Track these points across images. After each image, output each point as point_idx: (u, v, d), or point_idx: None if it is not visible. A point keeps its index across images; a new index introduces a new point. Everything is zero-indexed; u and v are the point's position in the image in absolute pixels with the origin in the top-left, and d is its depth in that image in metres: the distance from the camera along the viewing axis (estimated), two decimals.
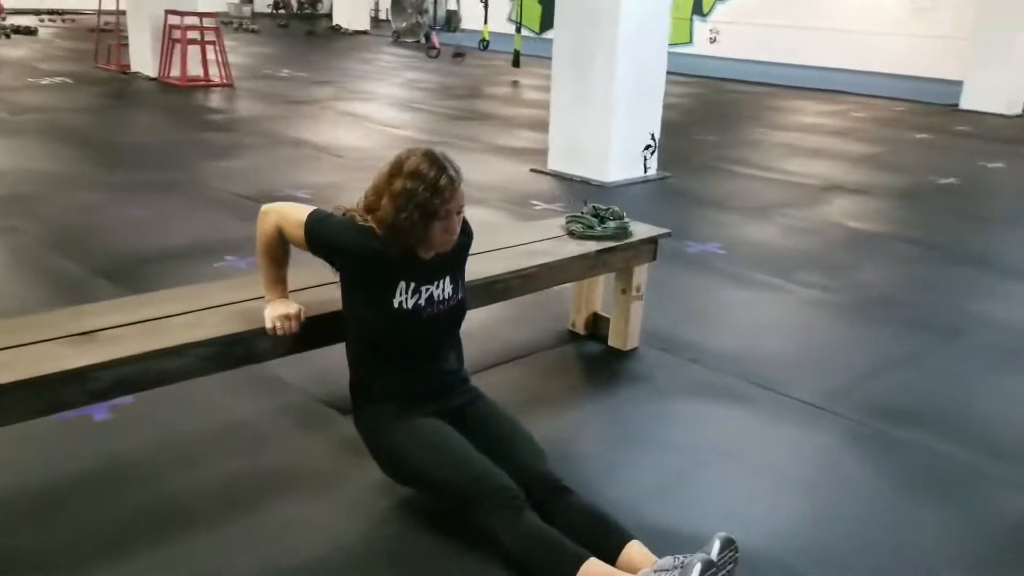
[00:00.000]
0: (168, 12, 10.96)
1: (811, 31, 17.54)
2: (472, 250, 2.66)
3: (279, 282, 2.57)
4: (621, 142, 6.93)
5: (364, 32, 21.13)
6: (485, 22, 17.97)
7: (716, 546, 2.07)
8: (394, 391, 2.49)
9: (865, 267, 5.14)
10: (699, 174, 7.51)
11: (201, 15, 11.24)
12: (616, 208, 3.66)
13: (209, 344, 2.41)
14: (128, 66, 11.76)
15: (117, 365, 2.23)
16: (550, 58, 7.18)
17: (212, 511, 2.48)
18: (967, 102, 12.48)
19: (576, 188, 6.68)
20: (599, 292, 3.85)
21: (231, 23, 19.83)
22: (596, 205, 3.67)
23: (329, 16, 23.29)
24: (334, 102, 10.46)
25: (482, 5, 17.82)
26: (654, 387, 3.46)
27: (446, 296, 2.51)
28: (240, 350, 2.50)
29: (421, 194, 2.30)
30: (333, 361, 2.73)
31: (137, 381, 2.32)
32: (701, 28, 19.78)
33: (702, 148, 8.70)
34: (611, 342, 3.75)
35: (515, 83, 13.43)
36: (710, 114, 11.29)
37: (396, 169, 2.36)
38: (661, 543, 2.24)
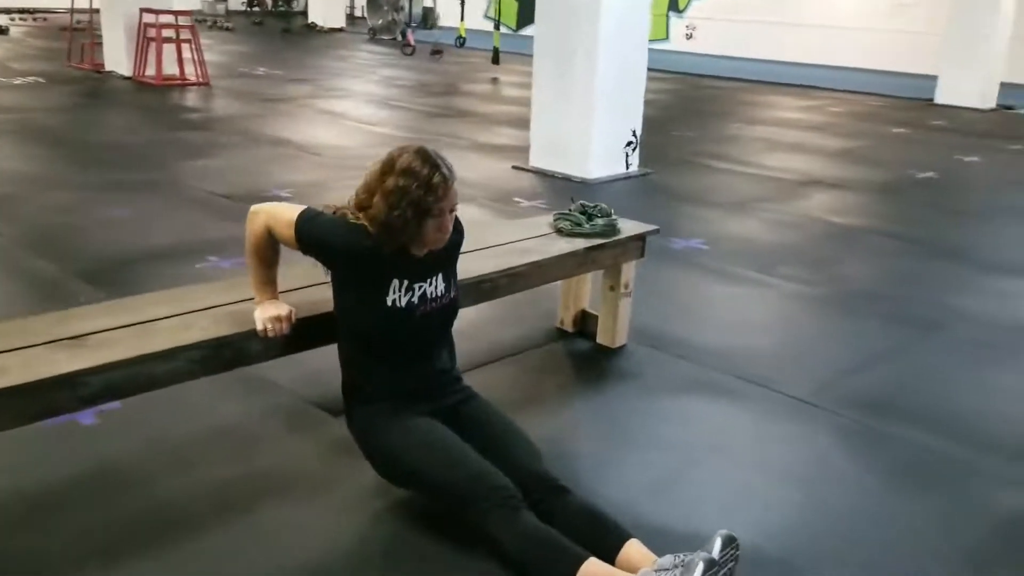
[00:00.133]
0: (143, 10, 10.85)
1: (785, 26, 17.69)
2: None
3: (269, 283, 2.55)
4: (602, 139, 6.93)
5: (340, 29, 21.04)
6: (462, 19, 17.94)
7: (717, 544, 2.06)
8: (387, 390, 2.48)
9: (845, 261, 5.18)
10: (679, 170, 7.53)
11: (176, 13, 11.13)
12: (604, 205, 3.66)
13: (199, 347, 2.38)
14: (102, 65, 11.62)
15: (108, 369, 2.20)
16: (528, 55, 7.17)
17: (205, 514, 2.46)
18: (942, 96, 12.63)
19: (558, 185, 6.69)
20: (587, 289, 3.85)
21: (205, 21, 19.66)
22: (584, 202, 3.66)
23: (304, 13, 23.18)
24: (311, 100, 10.39)
25: (459, 2, 17.78)
26: (643, 384, 3.47)
27: (439, 294, 2.50)
28: (230, 352, 2.48)
29: (414, 192, 2.28)
30: (325, 363, 2.71)
31: (127, 386, 2.29)
32: (677, 24, 19.87)
33: (681, 144, 8.73)
34: (600, 339, 3.75)
35: (494, 80, 13.41)
36: (688, 110, 11.34)
37: (388, 167, 2.34)
38: (657, 541, 2.24)
